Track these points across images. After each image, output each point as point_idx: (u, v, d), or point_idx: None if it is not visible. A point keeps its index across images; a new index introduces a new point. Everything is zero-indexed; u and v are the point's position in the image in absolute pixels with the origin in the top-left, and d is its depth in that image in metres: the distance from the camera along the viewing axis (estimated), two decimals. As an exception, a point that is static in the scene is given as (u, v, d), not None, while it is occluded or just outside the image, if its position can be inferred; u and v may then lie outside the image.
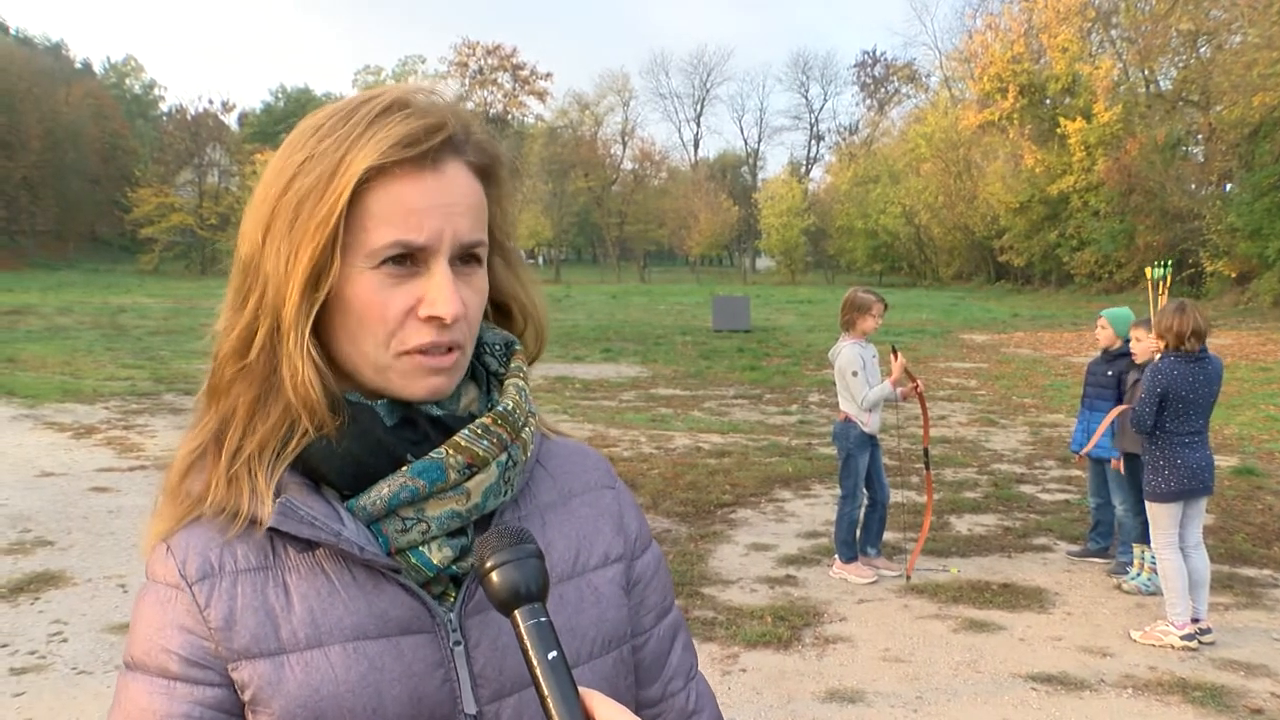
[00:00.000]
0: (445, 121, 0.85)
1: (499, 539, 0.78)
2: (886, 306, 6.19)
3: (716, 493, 8.18)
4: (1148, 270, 6.38)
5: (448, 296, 0.83)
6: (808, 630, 5.27)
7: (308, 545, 0.85)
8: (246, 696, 0.83)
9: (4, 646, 4.84)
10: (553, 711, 0.72)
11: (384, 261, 0.83)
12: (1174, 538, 5.13)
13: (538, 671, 0.73)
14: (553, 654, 0.74)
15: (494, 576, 0.76)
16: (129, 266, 57.75)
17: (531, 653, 0.74)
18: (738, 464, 9.35)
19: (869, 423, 6.03)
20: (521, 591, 0.76)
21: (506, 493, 0.90)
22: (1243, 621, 5.45)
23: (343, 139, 0.83)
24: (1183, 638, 5.02)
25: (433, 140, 0.83)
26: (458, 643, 0.86)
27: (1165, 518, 5.14)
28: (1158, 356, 5.28)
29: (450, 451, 0.86)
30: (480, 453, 0.87)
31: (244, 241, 0.87)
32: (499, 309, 0.99)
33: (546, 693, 0.73)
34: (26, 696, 4.32)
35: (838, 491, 6.32)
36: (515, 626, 0.75)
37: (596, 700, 0.75)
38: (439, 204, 0.83)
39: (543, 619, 0.75)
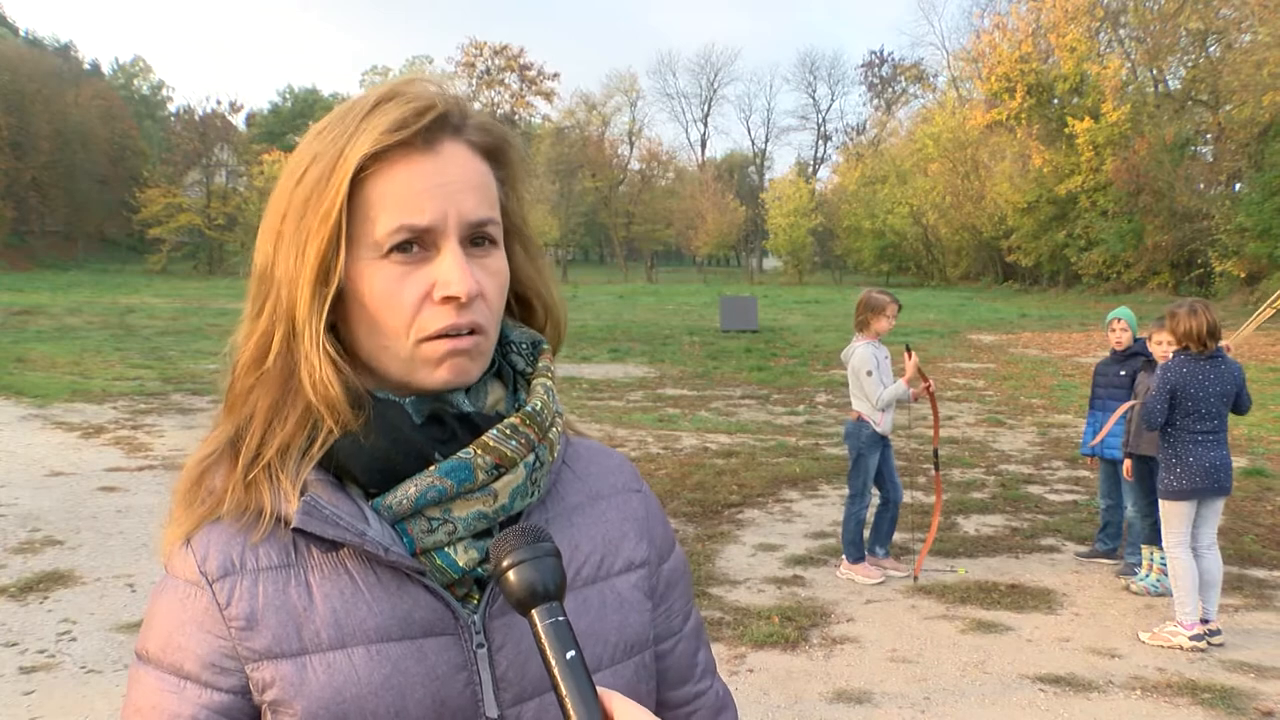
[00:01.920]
0: (433, 103, 0.84)
1: (516, 538, 0.77)
2: (900, 307, 6.20)
3: (724, 493, 8.18)
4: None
5: (461, 274, 0.82)
6: (815, 631, 5.26)
7: (331, 545, 0.84)
8: (269, 697, 0.82)
9: (13, 645, 4.86)
10: (570, 712, 0.71)
11: (392, 250, 0.82)
12: (1185, 537, 5.11)
13: (555, 671, 0.73)
14: (570, 653, 0.73)
15: (511, 576, 0.76)
16: (137, 266, 57.91)
17: (549, 652, 0.73)
18: (745, 464, 9.34)
19: (882, 423, 6.03)
20: (539, 590, 0.75)
21: (533, 494, 0.89)
22: (1253, 623, 5.43)
23: (340, 134, 0.83)
24: (1191, 638, 5.01)
25: (422, 121, 0.83)
26: (481, 645, 0.86)
27: (1176, 516, 5.12)
28: (1170, 354, 5.29)
29: (478, 451, 0.85)
30: (508, 453, 0.86)
31: (258, 251, 0.87)
32: (520, 301, 0.98)
33: (564, 693, 0.72)
34: (36, 695, 4.34)
35: (845, 491, 6.32)
36: (532, 626, 0.75)
37: (616, 701, 0.75)
38: (437, 184, 0.83)
39: (560, 618, 0.75)
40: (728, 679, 4.59)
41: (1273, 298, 6.39)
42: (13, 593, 5.57)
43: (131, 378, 14.63)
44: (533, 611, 0.75)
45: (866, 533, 6.26)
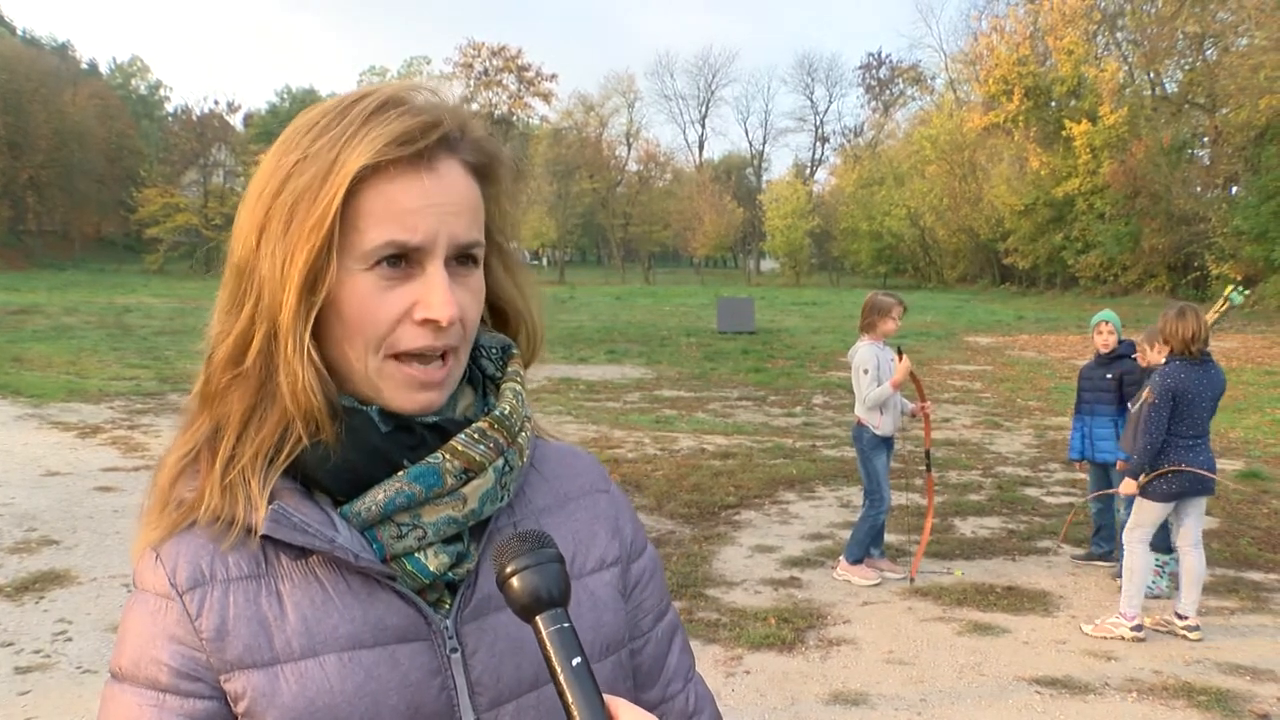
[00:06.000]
0: (441, 119, 0.83)
1: (519, 544, 0.77)
2: (905, 309, 6.24)
3: (721, 494, 8.18)
4: (1228, 289, 6.51)
5: (443, 299, 0.81)
6: (811, 632, 5.26)
7: (301, 553, 0.84)
8: (240, 708, 0.81)
9: (9, 645, 4.85)
10: (577, 719, 0.71)
11: (378, 262, 0.81)
12: (1149, 534, 5.25)
13: (561, 678, 0.72)
14: (576, 660, 0.73)
15: (515, 582, 0.75)
16: (134, 266, 57.84)
17: (555, 659, 0.73)
18: (742, 466, 9.34)
19: (880, 425, 6.03)
20: (543, 597, 0.74)
21: (503, 498, 0.89)
22: (1248, 625, 5.44)
23: (337, 138, 0.81)
24: (1132, 629, 5.14)
25: (428, 138, 0.82)
26: (454, 650, 0.85)
27: (1152, 515, 5.24)
28: (1163, 361, 5.31)
29: (447, 456, 0.84)
30: (477, 458, 0.86)
31: (238, 244, 0.85)
32: (494, 312, 0.97)
33: (571, 700, 0.71)
34: (32, 695, 4.33)
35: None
36: (537, 633, 0.74)
37: (622, 707, 0.74)
38: (434, 204, 0.82)
39: (565, 625, 0.74)
40: (724, 680, 4.59)
41: (1220, 302, 6.47)
42: (8, 592, 5.56)
43: (128, 377, 14.62)
44: (537, 618, 0.74)
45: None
